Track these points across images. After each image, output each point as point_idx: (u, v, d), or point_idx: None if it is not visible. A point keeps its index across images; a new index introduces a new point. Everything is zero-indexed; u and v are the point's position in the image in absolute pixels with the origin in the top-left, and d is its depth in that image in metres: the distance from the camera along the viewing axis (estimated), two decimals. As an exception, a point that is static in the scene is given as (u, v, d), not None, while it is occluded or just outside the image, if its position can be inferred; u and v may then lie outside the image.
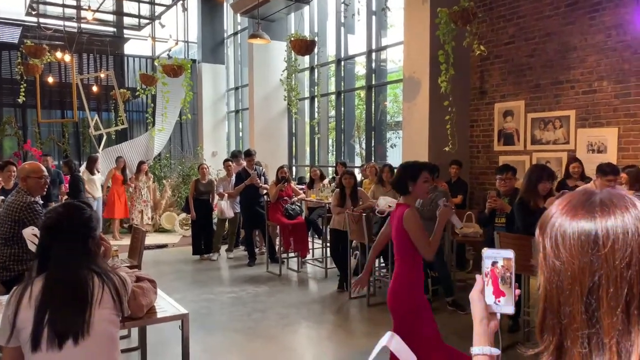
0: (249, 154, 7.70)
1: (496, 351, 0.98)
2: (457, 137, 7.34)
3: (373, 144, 9.18)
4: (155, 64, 11.26)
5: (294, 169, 11.37)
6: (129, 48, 13.60)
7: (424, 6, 7.12)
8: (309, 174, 8.97)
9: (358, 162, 10.69)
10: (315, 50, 9.98)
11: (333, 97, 10.32)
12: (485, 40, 7.43)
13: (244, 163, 7.82)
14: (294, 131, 11.31)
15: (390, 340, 1.10)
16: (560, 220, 0.79)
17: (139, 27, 12.75)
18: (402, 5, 7.58)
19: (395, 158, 10.26)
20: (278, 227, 7.29)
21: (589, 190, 0.82)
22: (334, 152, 10.29)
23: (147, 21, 12.33)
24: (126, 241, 9.59)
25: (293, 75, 10.46)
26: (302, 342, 4.71)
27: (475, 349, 0.98)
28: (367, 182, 7.36)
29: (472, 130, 7.72)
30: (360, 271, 6.45)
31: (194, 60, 13.36)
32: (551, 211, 0.83)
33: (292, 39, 7.14)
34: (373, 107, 9.08)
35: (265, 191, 7.64)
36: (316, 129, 10.52)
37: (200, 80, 13.41)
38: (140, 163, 10.42)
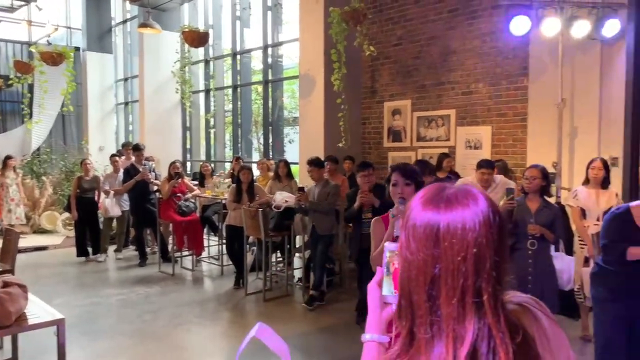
0: (137, 149, 7.34)
1: (385, 339, 1.00)
2: (350, 134, 7.59)
3: (271, 140, 9.19)
4: (32, 50, 10.30)
5: (188, 164, 11.04)
6: (1, 32, 12.31)
7: (318, 5, 7.25)
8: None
9: (256, 157, 10.63)
10: (210, 42, 9.78)
11: (230, 91, 10.15)
12: (375, 41, 7.73)
13: (133, 158, 7.44)
14: (188, 125, 10.97)
15: (259, 330, 1.11)
16: (414, 212, 0.84)
17: (11, 9, 11.58)
18: (298, 2, 7.66)
19: (294, 154, 10.35)
20: (171, 224, 7.05)
21: (442, 185, 0.87)
22: (232, 147, 10.14)
23: (22, 3, 11.24)
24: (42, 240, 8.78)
25: (187, 67, 10.15)
26: (195, 340, 4.61)
27: (366, 336, 1.00)
28: (260, 178, 7.36)
29: (365, 128, 8.02)
30: (257, 267, 6.46)
31: (77, 48, 12.45)
32: (411, 204, 0.88)
33: (185, 30, 6.91)
34: (270, 102, 9.08)
35: (156, 188, 7.34)
36: (211, 123, 10.30)
37: (85, 69, 12.53)
38: (7, 158, 9.35)
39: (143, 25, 7.86)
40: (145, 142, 10.52)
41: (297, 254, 6.80)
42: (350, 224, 5.37)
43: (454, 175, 6.21)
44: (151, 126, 10.50)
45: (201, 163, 7.74)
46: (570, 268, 3.89)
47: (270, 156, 8.86)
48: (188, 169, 10.83)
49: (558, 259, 3.88)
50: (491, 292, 0.78)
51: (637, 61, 5.36)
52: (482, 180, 4.84)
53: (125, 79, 12.78)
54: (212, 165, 8.15)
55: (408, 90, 7.39)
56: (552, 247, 3.91)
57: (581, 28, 5.25)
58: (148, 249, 7.79)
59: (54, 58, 8.19)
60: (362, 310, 4.83)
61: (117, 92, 13.18)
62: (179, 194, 6.96)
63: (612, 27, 5.22)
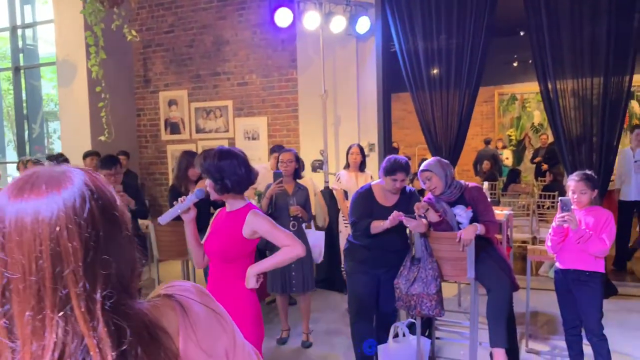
0: None
1: None
2: (122, 126, 7.01)
3: (27, 135, 7.95)
4: None
5: None
6: None
7: (73, -18, 6.45)
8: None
9: (13, 155, 9.12)
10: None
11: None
12: (146, 27, 7.26)
13: None
14: None
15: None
16: None
17: None
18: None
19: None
20: None
21: (38, 170, 0.69)
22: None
23: None
24: None
25: None
26: None
27: None
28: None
29: (139, 120, 7.48)
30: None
31: None
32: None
33: None
34: (24, 92, 7.84)
35: None
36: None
37: None
38: None
39: None
40: None
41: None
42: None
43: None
44: None
45: None
46: (321, 243, 4.16)
47: (28, 154, 7.68)
48: None
49: (310, 235, 4.11)
50: (83, 295, 0.62)
51: (385, 56, 5.99)
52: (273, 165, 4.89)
53: None
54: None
55: (184, 80, 7.10)
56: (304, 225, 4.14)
57: (338, 24, 5.63)
58: None
59: None
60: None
61: None
62: None
63: (363, 24, 5.71)
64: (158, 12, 7.19)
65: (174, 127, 7.23)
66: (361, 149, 4.93)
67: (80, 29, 6.52)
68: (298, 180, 4.12)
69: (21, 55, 7.73)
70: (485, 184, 5.69)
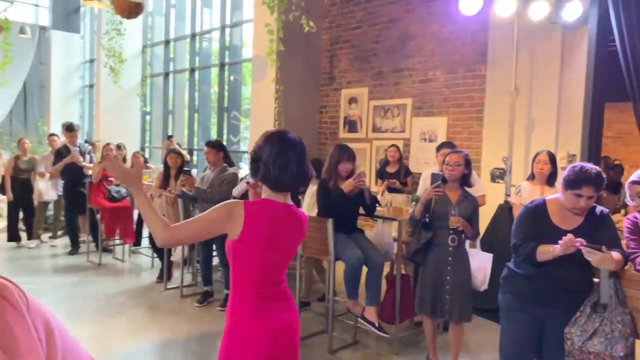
0: (70, 129, 6.82)
1: None
2: (305, 123, 7.13)
3: (226, 126, 8.67)
4: None
5: (147, 150, 10.53)
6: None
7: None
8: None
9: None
10: (172, 23, 9.29)
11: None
12: (335, 24, 7.26)
13: (67, 139, 6.91)
14: (148, 110, 10.46)
15: None
16: None
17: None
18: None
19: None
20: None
21: None
22: (197, 133, 9.61)
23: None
24: None
25: (148, 49, 9.66)
26: (84, 337, 4.10)
27: None
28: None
29: (322, 117, 7.51)
30: (189, 262, 5.93)
31: (43, 27, 11.95)
32: None
33: (115, -2, 6.36)
34: (226, 86, 8.57)
35: (90, 171, 6.82)
36: (170, 107, 9.80)
37: (49, 48, 12.00)
38: None
39: (89, -3, 7.33)
40: (101, 126, 10.06)
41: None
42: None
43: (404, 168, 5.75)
44: (108, 109, 9.99)
45: (104, 145, 7.08)
46: (487, 267, 3.40)
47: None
48: (147, 154, 10.32)
49: (474, 257, 3.40)
50: None
51: (599, 50, 4.88)
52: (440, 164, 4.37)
53: (91, 61, 12.26)
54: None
55: (366, 77, 6.89)
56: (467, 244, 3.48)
57: (539, 9, 4.75)
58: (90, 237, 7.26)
59: (-14, 29, 7.67)
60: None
61: (84, 74, 12.65)
62: (110, 179, 6.44)
63: (573, 10, 4.72)
64: (348, 8, 7.10)
65: (351, 125, 7.07)
66: (551, 157, 4.02)
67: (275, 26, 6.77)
68: (467, 189, 3.48)
69: (227, 52, 8.44)
70: None
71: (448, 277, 3.30)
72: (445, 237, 3.33)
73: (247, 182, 2.06)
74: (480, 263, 3.46)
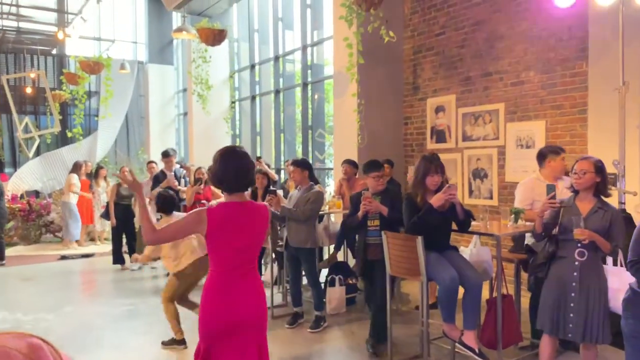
0: (166, 155, 7.16)
1: None
2: (389, 136, 6.95)
3: (311, 144, 8.69)
4: (72, 60, 10.68)
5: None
6: (72, 48, 12.95)
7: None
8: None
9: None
10: (256, 47, 9.55)
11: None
12: (417, 32, 7.03)
13: (163, 165, 7.26)
14: (237, 133, 10.80)
15: None
16: None
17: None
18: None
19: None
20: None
21: None
22: (284, 152, 9.77)
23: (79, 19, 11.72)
24: (91, 248, 9.08)
25: (235, 74, 10.00)
26: (181, 357, 4.16)
27: None
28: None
29: (406, 128, 7.26)
30: (280, 282, 5.92)
31: (140, 62, 12.88)
32: None
33: (200, 27, 6.61)
34: (310, 105, 8.60)
35: (184, 195, 7.10)
36: (257, 129, 10.04)
37: (146, 81, 12.86)
38: (99, 168, 9.81)
39: (178, 30, 7.73)
40: (194, 151, 10.52)
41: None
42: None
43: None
44: (200, 135, 10.44)
45: (196, 169, 7.22)
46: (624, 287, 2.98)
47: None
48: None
49: (615, 276, 3.02)
50: None
51: None
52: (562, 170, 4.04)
53: (185, 90, 12.94)
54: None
55: (452, 84, 6.56)
56: (610, 261, 3.10)
57: (648, -7, 4.22)
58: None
59: (91, 67, 8.32)
60: (377, 336, 4.14)
61: (179, 103, 13.40)
62: (203, 201, 6.65)
63: (691, -11, 4.14)
64: (430, 15, 6.85)
65: (439, 135, 6.76)
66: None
67: (354, 41, 6.68)
68: (603, 199, 3.12)
69: (309, 71, 8.48)
70: None
71: (573, 294, 2.98)
72: (571, 250, 3.03)
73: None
74: (622, 283, 3.03)
